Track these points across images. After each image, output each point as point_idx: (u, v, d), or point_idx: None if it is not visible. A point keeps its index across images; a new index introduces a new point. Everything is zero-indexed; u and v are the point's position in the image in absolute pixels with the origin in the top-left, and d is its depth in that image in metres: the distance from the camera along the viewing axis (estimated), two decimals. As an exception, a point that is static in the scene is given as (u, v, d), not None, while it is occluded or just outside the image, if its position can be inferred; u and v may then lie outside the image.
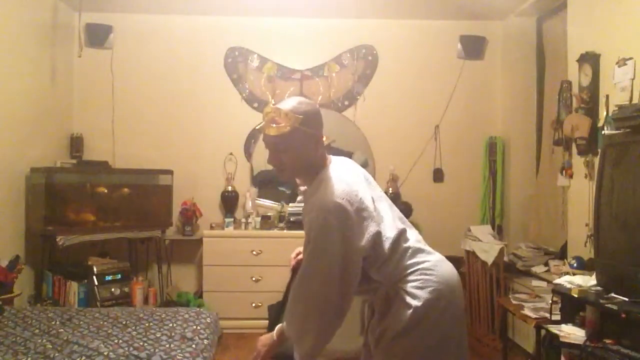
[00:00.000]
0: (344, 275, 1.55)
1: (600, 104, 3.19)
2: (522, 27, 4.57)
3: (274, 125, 1.63)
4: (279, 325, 1.72)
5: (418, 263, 1.67)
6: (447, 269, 1.72)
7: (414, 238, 1.74)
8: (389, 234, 1.67)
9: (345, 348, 2.62)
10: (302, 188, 2.15)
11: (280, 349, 1.71)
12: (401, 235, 1.70)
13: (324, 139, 1.73)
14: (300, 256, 1.83)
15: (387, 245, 1.65)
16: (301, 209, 4.52)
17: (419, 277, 1.64)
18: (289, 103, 1.68)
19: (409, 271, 1.65)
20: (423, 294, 1.62)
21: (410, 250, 1.68)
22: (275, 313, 1.91)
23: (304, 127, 1.63)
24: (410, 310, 1.60)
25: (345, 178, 1.67)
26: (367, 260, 1.64)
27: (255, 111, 4.79)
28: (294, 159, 1.68)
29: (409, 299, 1.61)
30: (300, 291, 1.62)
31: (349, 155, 4.83)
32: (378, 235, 1.64)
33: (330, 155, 1.77)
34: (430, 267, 1.67)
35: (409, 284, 1.63)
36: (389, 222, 1.69)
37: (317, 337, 1.59)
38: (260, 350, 1.73)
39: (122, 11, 4.63)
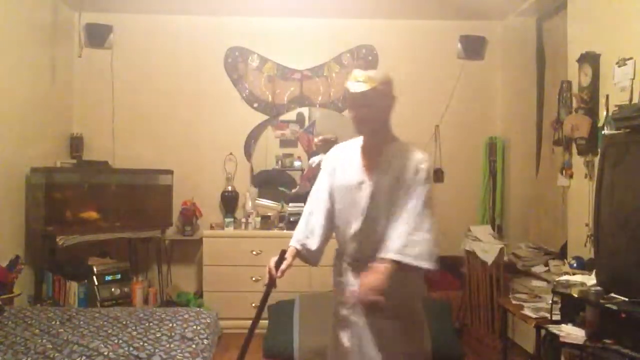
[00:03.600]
0: None
1: (600, 104, 3.19)
2: (522, 27, 4.57)
3: (362, 83, 1.95)
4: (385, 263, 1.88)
5: None
6: None
7: None
8: None
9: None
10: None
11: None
12: None
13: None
14: (282, 266, 2.01)
15: None
16: (301, 209, 4.56)
17: None
18: (370, 72, 2.02)
19: None
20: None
21: None
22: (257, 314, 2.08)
23: (382, 86, 1.98)
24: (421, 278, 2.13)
25: None
26: None
27: (255, 111, 4.79)
28: (376, 113, 2.02)
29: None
30: (425, 213, 1.93)
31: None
32: None
33: None
34: None
35: None
36: None
37: (434, 239, 1.91)
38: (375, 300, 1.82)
39: (122, 11, 4.63)
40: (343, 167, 2.10)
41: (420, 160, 2.00)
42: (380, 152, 2.04)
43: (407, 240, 1.87)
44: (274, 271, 2.00)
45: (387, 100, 2.03)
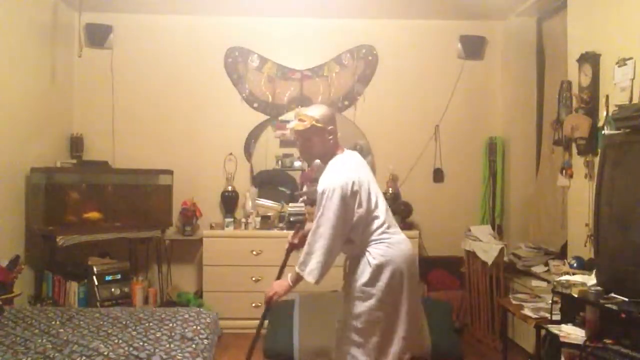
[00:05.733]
0: (341, 225, 2.29)
1: (600, 104, 3.19)
2: (522, 27, 4.57)
3: (299, 122, 2.40)
4: (292, 272, 2.39)
5: (385, 238, 2.36)
6: (406, 246, 2.42)
7: (390, 222, 2.42)
8: (378, 213, 2.37)
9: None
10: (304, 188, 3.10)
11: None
12: (384, 218, 2.39)
13: (338, 134, 2.46)
14: (295, 240, 2.68)
15: (371, 219, 2.35)
16: (300, 209, 4.58)
17: (382, 247, 2.34)
18: (310, 108, 2.48)
19: (377, 242, 2.35)
20: (381, 258, 2.32)
21: (383, 227, 2.37)
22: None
23: (318, 124, 2.36)
24: (370, 267, 2.32)
25: (349, 166, 2.39)
26: (356, 223, 2.33)
27: (255, 111, 4.79)
28: (312, 145, 2.41)
29: (370, 259, 2.33)
30: (315, 231, 2.31)
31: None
32: (368, 211, 2.34)
33: (345, 148, 2.49)
34: (393, 243, 2.37)
35: (374, 250, 2.34)
36: (381, 206, 2.40)
37: (322, 260, 2.29)
38: (272, 295, 2.44)
39: (122, 11, 4.63)
40: None
41: (321, 183, 2.33)
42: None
43: (303, 257, 2.33)
44: (291, 239, 2.69)
45: (323, 134, 2.39)
